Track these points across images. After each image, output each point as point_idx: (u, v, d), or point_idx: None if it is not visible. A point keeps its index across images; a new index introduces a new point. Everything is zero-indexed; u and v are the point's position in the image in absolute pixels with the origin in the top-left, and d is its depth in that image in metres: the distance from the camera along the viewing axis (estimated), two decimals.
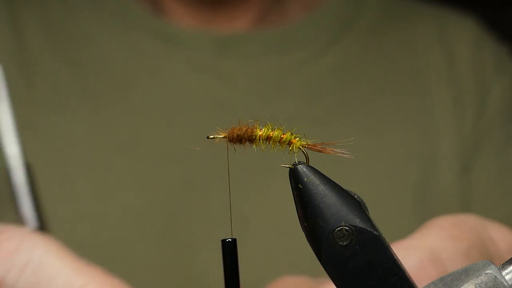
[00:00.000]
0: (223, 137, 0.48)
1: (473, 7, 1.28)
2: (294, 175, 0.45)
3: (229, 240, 0.48)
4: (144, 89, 1.05)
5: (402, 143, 1.07)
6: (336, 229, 0.43)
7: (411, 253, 0.55)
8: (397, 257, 0.44)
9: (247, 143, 0.48)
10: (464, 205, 1.06)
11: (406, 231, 1.03)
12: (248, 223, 0.98)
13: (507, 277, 0.42)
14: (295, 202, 0.45)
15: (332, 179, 0.45)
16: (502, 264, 0.43)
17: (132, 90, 1.05)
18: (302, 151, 0.47)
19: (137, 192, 0.99)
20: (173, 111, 1.04)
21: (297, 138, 0.48)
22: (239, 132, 0.48)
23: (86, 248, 0.97)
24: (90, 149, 1.01)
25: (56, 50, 1.05)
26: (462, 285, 0.42)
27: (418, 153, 1.07)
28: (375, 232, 0.43)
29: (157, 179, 1.00)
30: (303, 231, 0.45)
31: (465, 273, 0.43)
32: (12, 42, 1.06)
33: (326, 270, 0.44)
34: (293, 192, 0.45)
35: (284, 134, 0.48)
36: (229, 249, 0.48)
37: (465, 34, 1.18)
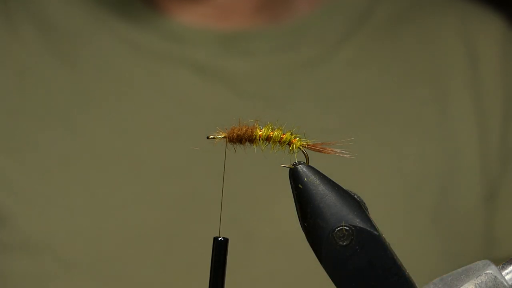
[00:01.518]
0: (223, 137, 0.48)
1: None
2: (294, 175, 0.45)
3: (221, 239, 0.48)
4: (143, 91, 0.99)
5: (419, 158, 0.99)
6: (336, 229, 0.43)
7: None
8: (397, 257, 0.44)
9: (247, 143, 0.48)
10: (488, 229, 0.99)
11: (422, 252, 0.97)
12: (252, 238, 0.94)
13: (507, 277, 0.42)
14: (295, 202, 0.45)
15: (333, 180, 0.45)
16: (502, 264, 0.43)
17: (131, 92, 0.99)
18: (302, 151, 0.47)
19: (137, 205, 0.94)
20: (175, 115, 0.98)
21: (297, 138, 0.47)
22: (239, 132, 0.48)
23: (83, 265, 0.94)
24: (86, 158, 0.96)
25: (52, 49, 1.01)
26: (462, 285, 0.42)
27: (436, 170, 0.98)
28: (375, 232, 0.43)
29: (157, 190, 0.95)
30: (303, 231, 0.45)
31: (465, 273, 0.43)
32: (7, 41, 1.02)
33: (326, 270, 0.44)
34: (293, 192, 0.45)
35: (284, 134, 0.47)
36: (220, 248, 0.48)
37: (491, 32, 1.06)
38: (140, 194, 0.95)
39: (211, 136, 0.49)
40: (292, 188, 0.45)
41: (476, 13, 1.08)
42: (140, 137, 0.97)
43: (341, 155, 0.47)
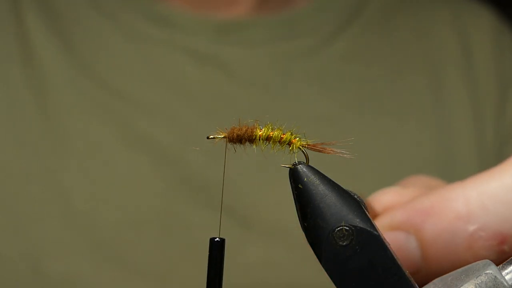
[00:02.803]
0: (223, 137, 0.48)
1: None
2: (294, 175, 0.45)
3: (217, 240, 0.48)
4: (139, 78, 1.00)
5: (415, 146, 1.00)
6: (336, 229, 0.43)
7: None
8: (397, 257, 0.44)
9: (247, 143, 0.48)
10: None
11: None
12: (249, 225, 0.95)
13: (507, 277, 0.42)
14: (295, 202, 0.45)
15: (333, 179, 0.45)
16: (502, 264, 0.43)
17: (127, 79, 1.00)
18: (302, 151, 0.47)
19: (132, 189, 0.95)
20: (170, 102, 0.99)
21: (297, 138, 0.47)
22: (239, 132, 0.48)
23: (79, 247, 0.94)
24: (83, 143, 0.96)
25: (53, 33, 1.00)
26: (462, 285, 0.42)
27: (432, 157, 1.00)
28: (375, 232, 0.43)
29: (153, 176, 0.95)
30: (303, 231, 0.45)
31: (465, 273, 0.43)
32: (13, 27, 1.01)
33: (326, 271, 0.44)
34: (293, 192, 0.45)
35: (284, 134, 0.47)
36: (216, 249, 0.48)
37: (482, 23, 1.10)
38: (135, 178, 0.95)
39: (211, 136, 0.49)
40: (292, 188, 0.45)
41: (467, 5, 1.10)
42: (136, 121, 0.97)
43: (341, 155, 0.47)
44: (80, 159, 0.95)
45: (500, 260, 0.48)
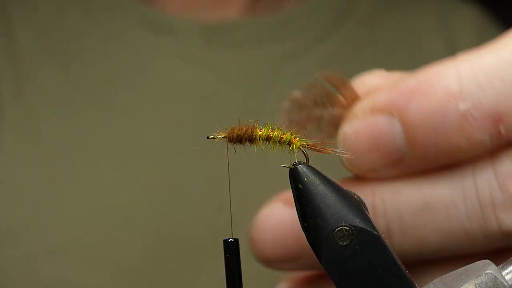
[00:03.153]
0: (223, 137, 0.48)
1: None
2: (294, 175, 0.45)
3: (231, 240, 0.48)
4: (131, 81, 1.01)
5: None
6: (336, 229, 0.43)
7: None
8: (397, 257, 0.44)
9: (247, 143, 0.48)
10: None
11: None
12: (239, 223, 0.95)
13: (507, 277, 0.42)
14: (295, 202, 0.45)
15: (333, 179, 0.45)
16: (502, 264, 0.43)
17: (120, 83, 1.00)
18: (302, 151, 0.47)
19: (125, 192, 0.95)
20: (162, 104, 1.00)
21: (297, 138, 0.47)
22: (239, 132, 0.48)
23: (70, 248, 0.94)
24: (76, 148, 0.97)
25: (44, 43, 1.01)
26: (462, 285, 0.42)
27: None
28: (375, 232, 0.43)
29: (145, 177, 0.96)
30: (303, 231, 0.45)
31: (465, 273, 0.43)
32: (2, 40, 1.02)
33: (326, 270, 0.44)
34: (293, 192, 0.45)
35: (284, 134, 0.47)
36: (231, 249, 0.48)
37: (468, 24, 1.11)
38: (129, 177, 0.96)
39: (211, 136, 0.49)
40: (292, 188, 0.45)
41: (453, 6, 1.13)
42: (126, 123, 0.98)
43: (341, 155, 0.48)
44: (69, 162, 0.96)
45: (495, 144, 0.44)
